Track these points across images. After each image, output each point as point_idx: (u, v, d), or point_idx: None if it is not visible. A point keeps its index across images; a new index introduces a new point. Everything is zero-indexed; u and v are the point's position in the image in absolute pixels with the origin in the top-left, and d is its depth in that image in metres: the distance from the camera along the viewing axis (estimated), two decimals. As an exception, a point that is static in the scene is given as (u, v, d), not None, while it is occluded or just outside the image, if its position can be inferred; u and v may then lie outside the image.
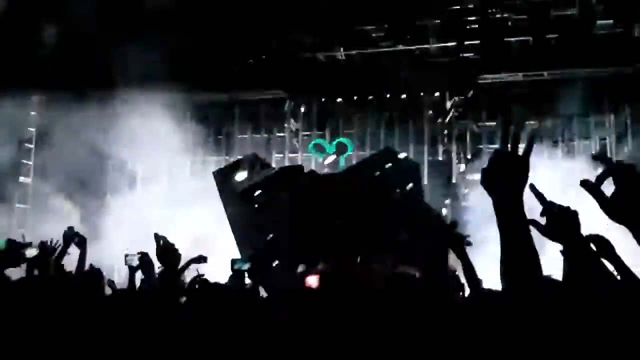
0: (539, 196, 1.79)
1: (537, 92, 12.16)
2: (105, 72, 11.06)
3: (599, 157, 1.69)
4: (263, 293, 4.85)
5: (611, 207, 1.59)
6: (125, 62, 10.45)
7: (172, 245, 3.28)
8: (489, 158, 1.67)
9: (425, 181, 11.80)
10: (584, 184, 1.63)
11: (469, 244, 3.38)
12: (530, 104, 12.33)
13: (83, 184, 12.13)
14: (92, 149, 12.13)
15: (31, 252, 3.91)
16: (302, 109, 13.82)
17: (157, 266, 3.49)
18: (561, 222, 1.82)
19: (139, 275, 4.53)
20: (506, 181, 1.60)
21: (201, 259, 4.86)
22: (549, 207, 1.83)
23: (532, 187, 1.72)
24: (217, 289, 3.40)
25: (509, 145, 1.64)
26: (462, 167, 12.81)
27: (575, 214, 1.85)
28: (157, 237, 3.32)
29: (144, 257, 4.23)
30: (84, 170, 11.92)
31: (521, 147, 1.67)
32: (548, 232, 1.81)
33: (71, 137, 11.68)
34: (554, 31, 11.30)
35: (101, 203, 12.56)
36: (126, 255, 4.90)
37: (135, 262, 4.58)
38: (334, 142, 13.41)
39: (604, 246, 2.81)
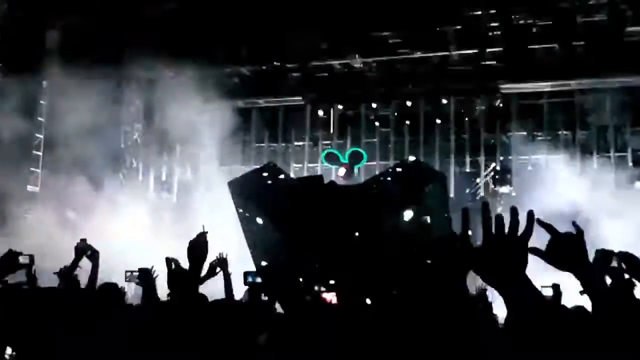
0: (547, 227, 1.73)
1: (566, 102, 12.15)
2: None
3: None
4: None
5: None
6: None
7: (184, 270, 3.21)
8: (483, 243, 1.57)
9: (451, 193, 11.79)
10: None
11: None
12: (559, 115, 12.34)
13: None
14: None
15: (24, 260, 4.07)
16: (321, 115, 13.87)
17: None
18: (567, 250, 1.72)
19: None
20: (504, 270, 1.54)
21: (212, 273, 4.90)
22: (555, 237, 1.74)
23: (539, 221, 1.67)
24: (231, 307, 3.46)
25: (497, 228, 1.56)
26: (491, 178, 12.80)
27: (580, 240, 1.74)
28: (168, 262, 3.22)
29: (142, 274, 4.32)
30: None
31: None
32: (553, 260, 1.73)
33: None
34: (582, 38, 11.28)
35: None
36: (126, 272, 5.00)
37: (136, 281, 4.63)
38: (348, 152, 13.39)
39: (633, 263, 2.83)
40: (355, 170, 13.19)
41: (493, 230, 1.56)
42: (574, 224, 1.81)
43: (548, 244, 1.74)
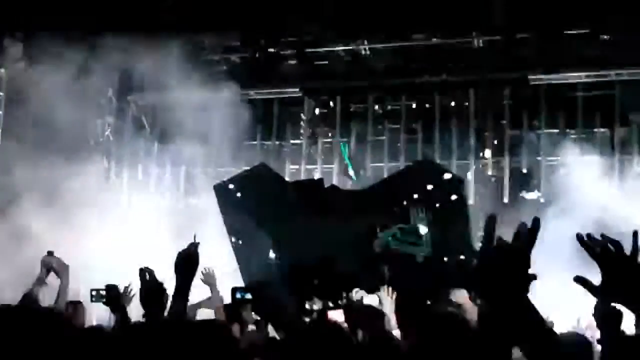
0: (593, 244, 1.66)
1: (604, 96, 12.08)
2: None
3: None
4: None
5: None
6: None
7: (160, 284, 3.16)
8: (480, 254, 1.55)
9: (471, 199, 11.71)
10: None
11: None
12: (596, 110, 12.26)
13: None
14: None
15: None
16: (320, 110, 13.72)
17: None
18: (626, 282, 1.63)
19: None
20: (503, 284, 1.53)
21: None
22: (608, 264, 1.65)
23: (582, 241, 1.64)
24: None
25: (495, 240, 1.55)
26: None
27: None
28: (143, 273, 3.16)
29: (110, 292, 4.23)
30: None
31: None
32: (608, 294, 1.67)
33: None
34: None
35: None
36: (92, 291, 4.91)
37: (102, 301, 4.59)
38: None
39: None
40: (350, 172, 13.15)
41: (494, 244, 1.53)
42: (635, 235, 1.66)
43: (603, 274, 1.64)
